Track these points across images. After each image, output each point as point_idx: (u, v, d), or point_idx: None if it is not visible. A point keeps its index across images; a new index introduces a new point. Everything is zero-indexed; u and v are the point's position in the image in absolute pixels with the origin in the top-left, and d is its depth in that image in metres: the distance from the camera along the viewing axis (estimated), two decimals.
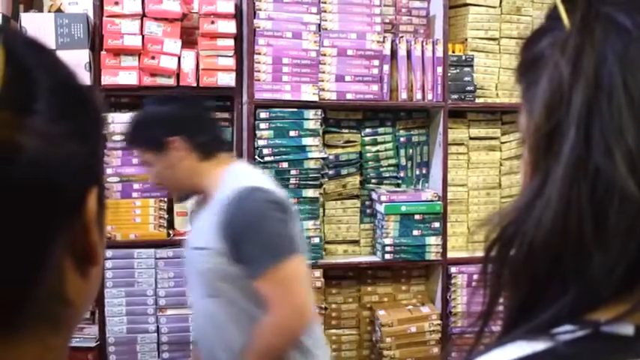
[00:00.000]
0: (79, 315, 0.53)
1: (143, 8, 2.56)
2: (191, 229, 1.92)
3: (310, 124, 2.64)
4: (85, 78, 2.51)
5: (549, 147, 0.54)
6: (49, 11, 2.59)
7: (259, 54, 2.61)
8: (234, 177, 1.72)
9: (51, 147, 0.46)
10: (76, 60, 2.50)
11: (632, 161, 0.50)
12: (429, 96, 2.73)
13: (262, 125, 2.61)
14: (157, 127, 1.78)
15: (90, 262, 0.51)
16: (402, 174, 2.89)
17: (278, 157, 2.61)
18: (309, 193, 2.65)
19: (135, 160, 2.60)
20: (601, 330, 0.53)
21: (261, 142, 2.60)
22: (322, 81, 2.65)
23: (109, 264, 2.60)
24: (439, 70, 2.72)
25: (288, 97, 2.63)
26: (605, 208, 0.51)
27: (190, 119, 1.82)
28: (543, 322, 0.54)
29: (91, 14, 2.57)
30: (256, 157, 2.60)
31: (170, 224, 2.69)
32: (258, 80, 2.60)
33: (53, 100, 0.48)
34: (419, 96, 2.73)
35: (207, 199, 1.76)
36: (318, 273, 2.66)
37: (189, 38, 2.67)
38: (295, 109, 2.63)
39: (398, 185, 2.88)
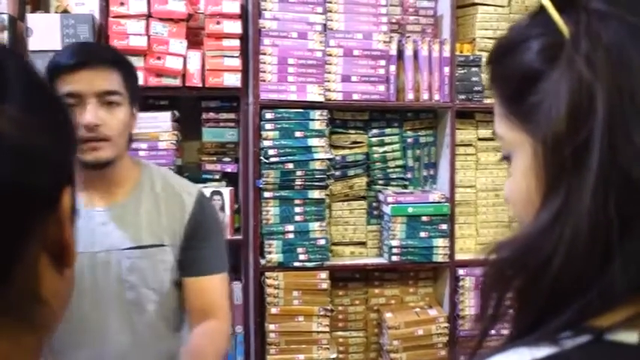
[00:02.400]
0: (55, 315, 0.52)
1: (149, 9, 2.56)
2: (117, 227, 1.58)
3: (316, 125, 2.62)
4: None
5: (574, 162, 0.51)
6: (56, 12, 2.60)
7: (265, 54, 2.59)
8: (160, 171, 1.68)
9: (27, 136, 0.46)
10: None
11: None
12: (437, 96, 2.71)
13: (268, 126, 2.59)
14: (128, 63, 1.61)
15: (65, 260, 0.51)
16: (409, 175, 2.86)
17: (284, 158, 2.60)
18: (315, 194, 2.63)
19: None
20: (604, 337, 0.51)
21: (266, 143, 2.59)
22: (328, 81, 2.64)
23: None
24: (446, 70, 2.69)
25: (293, 97, 2.61)
26: (634, 216, 0.49)
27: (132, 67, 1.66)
28: (549, 330, 0.52)
29: (97, 15, 2.57)
30: (262, 157, 2.58)
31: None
32: (264, 81, 2.59)
33: (26, 93, 0.48)
34: (426, 96, 2.71)
35: (118, 189, 1.58)
36: (324, 275, 2.64)
37: (195, 39, 2.66)
38: (301, 110, 2.61)
39: (405, 186, 2.86)
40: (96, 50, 1.60)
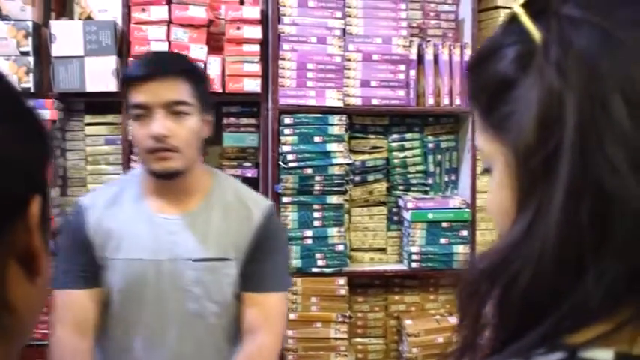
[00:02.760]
0: (24, 324, 0.53)
1: (170, 15, 2.58)
2: (183, 238, 1.57)
3: (335, 130, 2.61)
4: (113, 84, 2.55)
5: (544, 173, 0.50)
6: (80, 19, 2.64)
7: (284, 59, 2.60)
8: (230, 182, 1.68)
9: None
10: (104, 66, 2.54)
11: (639, 168, 0.47)
12: (457, 101, 2.68)
13: (286, 131, 2.59)
14: (198, 71, 1.65)
15: (34, 268, 0.51)
16: (430, 181, 2.84)
17: (302, 163, 2.60)
18: (334, 199, 2.62)
19: None
20: (578, 354, 0.49)
21: (285, 148, 2.59)
22: (347, 86, 2.63)
23: None
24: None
25: (312, 102, 2.61)
26: (607, 228, 0.47)
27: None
28: (522, 346, 0.51)
29: (119, 21, 2.61)
30: (280, 163, 2.59)
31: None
32: (283, 86, 2.60)
33: None
34: (446, 101, 2.68)
35: (189, 198, 1.58)
36: (342, 281, 2.63)
37: (215, 44, 2.68)
38: (320, 115, 2.61)
39: (426, 192, 2.83)
40: (164, 61, 1.60)
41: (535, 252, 0.50)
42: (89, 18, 2.64)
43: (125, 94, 1.54)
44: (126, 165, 2.62)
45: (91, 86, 2.55)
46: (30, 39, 2.51)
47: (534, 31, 0.52)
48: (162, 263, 1.54)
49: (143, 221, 1.56)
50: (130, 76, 1.53)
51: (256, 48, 2.62)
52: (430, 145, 2.82)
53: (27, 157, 0.50)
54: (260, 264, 1.58)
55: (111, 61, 2.55)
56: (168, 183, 1.54)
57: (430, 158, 2.83)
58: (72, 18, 2.69)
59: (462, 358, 0.58)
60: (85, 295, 1.55)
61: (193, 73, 1.56)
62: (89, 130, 2.70)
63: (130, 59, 2.56)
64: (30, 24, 2.51)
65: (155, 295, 1.54)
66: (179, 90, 1.50)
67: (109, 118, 2.70)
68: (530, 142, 0.51)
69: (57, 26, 2.55)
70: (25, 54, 2.52)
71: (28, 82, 2.51)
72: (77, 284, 1.55)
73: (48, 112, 2.50)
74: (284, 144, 2.59)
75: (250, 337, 1.57)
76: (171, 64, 1.56)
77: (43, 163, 0.54)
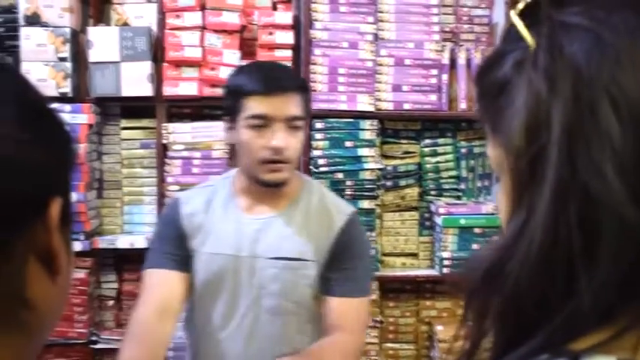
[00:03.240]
0: (44, 321, 0.55)
1: (203, 21, 2.62)
2: (264, 237, 1.65)
3: (366, 135, 2.61)
4: (148, 89, 2.59)
5: (533, 175, 0.50)
6: (116, 25, 2.69)
7: (315, 64, 2.61)
8: (318, 188, 1.75)
9: (17, 149, 0.49)
10: (139, 71, 2.59)
11: (625, 174, 0.47)
12: None
13: (318, 136, 2.60)
14: (305, 84, 1.77)
15: (54, 267, 0.53)
16: (462, 186, 2.81)
17: (333, 168, 2.60)
18: (365, 204, 2.62)
19: (195, 170, 2.66)
20: None
21: (316, 153, 2.60)
22: (379, 91, 2.63)
23: None
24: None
25: (344, 107, 2.61)
26: (595, 232, 0.47)
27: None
28: (523, 354, 0.51)
29: (154, 27, 2.66)
30: (311, 167, 2.60)
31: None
32: (315, 91, 2.61)
33: (20, 109, 0.51)
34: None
35: (279, 200, 1.65)
36: (373, 286, 2.63)
37: (248, 49, 2.70)
38: (351, 120, 2.61)
39: (459, 197, 2.81)
40: (283, 76, 1.65)
41: (523, 254, 0.50)
42: (125, 24, 2.69)
43: (236, 102, 1.58)
44: (160, 168, 2.66)
45: (127, 91, 2.60)
46: (68, 45, 2.57)
47: (528, 38, 0.53)
48: (241, 259, 1.62)
49: (231, 219, 1.65)
50: (255, 90, 1.56)
51: (288, 53, 2.64)
52: (463, 150, 2.80)
53: (46, 161, 0.52)
54: (341, 269, 1.63)
55: (146, 67, 2.59)
56: (268, 189, 1.62)
57: (463, 163, 2.80)
58: (109, 24, 2.74)
59: None
60: (174, 276, 1.62)
61: (305, 88, 1.67)
62: (125, 134, 2.75)
63: (165, 64, 2.61)
64: (68, 30, 2.57)
65: (232, 289, 1.62)
66: (297, 105, 1.58)
67: (144, 123, 2.75)
68: (518, 146, 0.51)
69: (94, 32, 2.60)
70: (63, 60, 2.58)
71: (66, 87, 2.57)
72: (168, 265, 1.63)
73: (85, 116, 2.56)
74: (315, 148, 2.60)
75: (331, 336, 1.61)
76: (291, 80, 1.64)
77: (65, 166, 0.56)
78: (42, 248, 0.52)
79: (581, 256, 0.48)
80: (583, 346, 0.49)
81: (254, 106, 1.55)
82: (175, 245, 1.65)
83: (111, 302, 2.81)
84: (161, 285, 1.62)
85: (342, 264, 1.62)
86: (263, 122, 1.55)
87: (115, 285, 2.81)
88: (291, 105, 1.56)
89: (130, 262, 2.81)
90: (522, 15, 0.56)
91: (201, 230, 1.65)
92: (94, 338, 2.68)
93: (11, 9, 2.62)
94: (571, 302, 0.49)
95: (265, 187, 1.60)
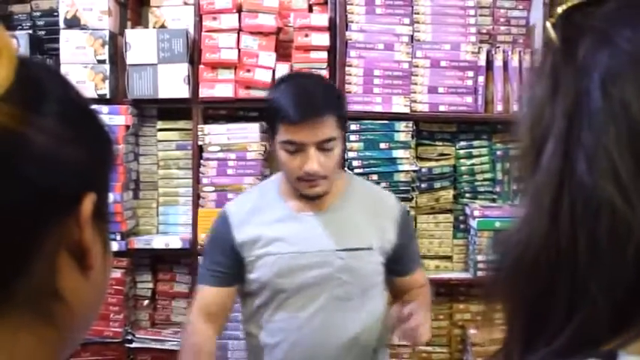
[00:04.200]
0: (76, 316, 0.55)
1: (240, 23, 2.64)
2: (325, 233, 1.75)
3: (401, 137, 2.61)
4: (184, 91, 2.62)
5: (535, 168, 0.52)
6: (154, 27, 2.72)
7: (351, 66, 2.61)
8: (359, 180, 1.97)
9: (55, 145, 0.51)
10: (176, 73, 2.61)
11: (617, 175, 0.47)
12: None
13: (353, 137, 2.60)
14: (340, 100, 1.78)
15: (86, 262, 0.54)
16: (498, 189, 2.79)
17: (368, 170, 2.60)
18: None
19: (230, 171, 2.68)
20: None
21: (351, 154, 2.60)
22: (414, 92, 2.62)
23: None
24: (530, 75, 2.61)
25: (379, 109, 2.61)
26: (593, 222, 0.48)
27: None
28: (548, 356, 0.51)
29: (191, 30, 2.68)
30: (346, 168, 2.60)
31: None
32: (350, 92, 2.61)
33: (61, 107, 0.53)
34: (516, 108, 2.64)
35: (327, 198, 1.75)
36: None
37: (284, 51, 2.71)
38: (386, 121, 2.61)
39: (494, 200, 2.78)
40: (318, 101, 1.67)
41: (523, 241, 0.52)
42: (162, 27, 2.72)
43: (274, 126, 1.68)
44: (196, 169, 2.68)
45: (164, 93, 2.62)
46: (106, 47, 2.61)
47: (554, 37, 0.55)
48: (308, 255, 1.72)
49: (285, 220, 1.75)
50: (287, 118, 1.63)
51: (324, 55, 2.64)
52: (498, 153, 2.78)
53: (84, 158, 0.53)
54: (408, 249, 1.85)
55: (183, 69, 2.62)
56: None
57: (498, 166, 2.78)
58: (146, 27, 2.78)
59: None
60: (221, 293, 1.77)
61: (340, 105, 1.73)
62: (161, 135, 2.78)
63: (201, 66, 2.63)
64: (106, 33, 2.61)
65: (301, 283, 1.72)
66: (330, 128, 1.65)
67: (180, 124, 2.77)
68: (524, 142, 0.54)
69: (132, 35, 2.64)
70: (101, 62, 2.61)
71: (104, 89, 2.61)
72: (216, 282, 1.77)
73: (122, 117, 2.59)
74: (350, 150, 2.60)
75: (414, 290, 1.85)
76: (324, 105, 1.66)
77: (103, 165, 0.58)
78: (73, 242, 0.53)
79: (585, 248, 0.48)
80: (617, 345, 0.48)
81: (287, 132, 1.64)
82: (227, 257, 1.76)
83: (146, 302, 2.84)
84: (207, 299, 1.78)
85: (407, 245, 1.83)
86: (296, 147, 1.64)
87: (150, 285, 2.83)
88: (324, 129, 1.64)
89: (164, 262, 2.84)
90: (558, 19, 0.58)
91: (259, 236, 1.74)
92: (129, 337, 2.71)
93: (52, 12, 2.67)
94: (585, 300, 0.49)
95: (307, 199, 1.73)
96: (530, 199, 0.53)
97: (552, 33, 0.55)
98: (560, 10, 0.57)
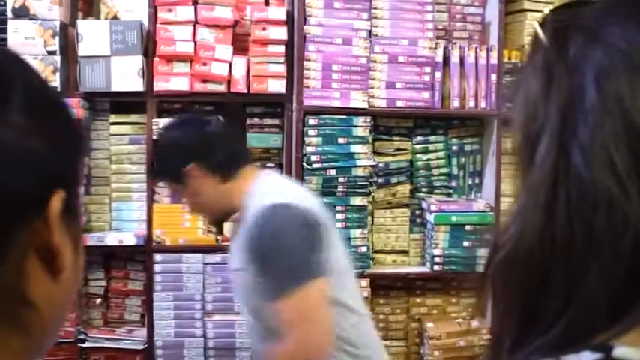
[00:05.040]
0: (46, 321, 0.52)
1: (196, 15, 2.59)
2: (230, 251, 1.84)
3: (359, 132, 2.61)
4: (138, 84, 2.56)
5: (530, 163, 0.53)
6: (106, 18, 2.65)
7: (309, 60, 2.60)
8: (261, 194, 1.65)
9: (19, 140, 0.47)
10: (130, 66, 2.55)
11: (614, 167, 0.48)
12: (483, 104, 2.67)
13: (311, 132, 2.59)
14: (172, 158, 1.76)
15: (56, 265, 0.51)
16: (453, 183, 2.82)
17: (326, 165, 2.60)
18: (357, 201, 2.62)
19: None
20: (612, 354, 0.49)
21: (309, 149, 2.59)
22: (372, 88, 2.62)
23: (158, 268, 2.63)
24: (493, 77, 2.65)
25: (337, 103, 2.61)
26: (590, 214, 0.49)
27: (199, 143, 1.73)
28: (543, 345, 0.51)
29: (146, 22, 2.62)
30: (304, 164, 2.59)
31: (219, 230, 2.70)
32: (308, 87, 2.59)
33: (28, 99, 0.49)
34: (472, 104, 2.67)
35: (241, 218, 1.70)
36: (365, 282, 2.63)
37: (241, 45, 2.68)
38: (344, 116, 2.61)
39: (449, 195, 2.82)
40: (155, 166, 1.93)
41: (518, 234, 0.53)
42: (115, 18, 2.65)
43: None
44: (149, 164, 2.63)
45: (117, 86, 2.56)
46: (57, 38, 2.53)
47: (542, 37, 0.56)
48: None
49: None
50: None
51: (281, 49, 2.62)
52: (454, 148, 2.81)
53: (48, 153, 0.49)
54: (262, 273, 1.60)
55: (137, 61, 2.56)
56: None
57: (454, 161, 2.81)
58: (98, 18, 2.70)
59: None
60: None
61: (165, 173, 1.85)
62: (114, 129, 2.71)
63: (156, 59, 2.57)
64: (57, 24, 2.53)
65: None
66: (168, 184, 1.91)
67: (134, 118, 2.71)
68: (519, 136, 0.55)
69: (84, 26, 2.56)
70: (52, 53, 2.53)
71: (55, 82, 2.52)
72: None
73: (74, 111, 2.51)
74: (308, 145, 2.59)
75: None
76: (156, 173, 1.97)
77: (69, 157, 0.54)
78: (42, 244, 0.49)
79: (582, 240, 0.49)
80: (613, 338, 0.49)
81: None
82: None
83: (98, 300, 2.77)
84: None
85: (264, 266, 1.58)
86: None
87: (103, 283, 2.77)
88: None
89: (118, 259, 2.78)
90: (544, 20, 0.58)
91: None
92: (81, 337, 2.64)
93: None
94: (581, 291, 0.49)
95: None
96: (525, 193, 0.53)
97: (540, 32, 0.55)
98: (546, 10, 0.57)
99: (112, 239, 2.62)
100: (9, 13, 2.51)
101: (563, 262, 0.50)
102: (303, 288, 1.54)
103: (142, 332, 2.69)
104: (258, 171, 1.82)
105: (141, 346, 2.66)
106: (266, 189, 1.68)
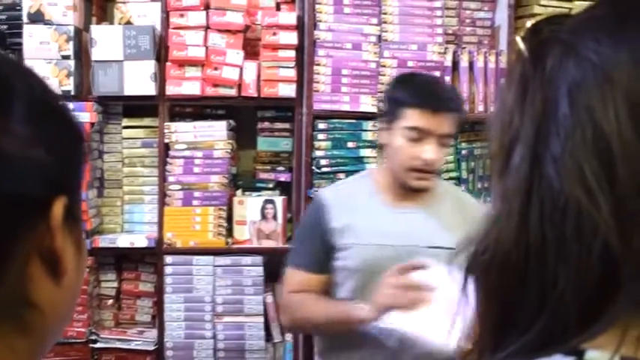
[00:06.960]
0: (49, 323, 0.54)
1: (207, 20, 2.62)
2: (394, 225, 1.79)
3: (368, 136, 2.62)
4: (151, 88, 2.59)
5: (504, 170, 0.54)
6: (119, 23, 2.69)
7: (319, 65, 2.62)
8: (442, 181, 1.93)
9: (21, 148, 0.48)
10: (142, 70, 2.59)
11: (583, 177, 0.49)
12: (492, 108, 2.67)
13: (320, 136, 2.61)
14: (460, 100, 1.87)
15: (58, 269, 0.52)
16: (463, 188, 2.82)
17: (335, 168, 2.61)
18: None
19: (196, 169, 2.66)
20: (584, 358, 0.50)
21: (319, 153, 2.61)
22: (382, 92, 2.63)
23: (169, 270, 2.66)
24: (503, 81, 2.65)
25: (346, 108, 2.62)
26: (561, 222, 0.49)
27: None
28: (518, 349, 0.52)
29: (158, 26, 2.65)
30: (314, 167, 2.60)
31: (229, 233, 2.72)
32: (317, 91, 2.61)
33: (30, 108, 0.50)
34: (481, 108, 2.68)
35: (423, 196, 1.79)
36: None
37: (252, 49, 2.71)
38: (354, 121, 2.62)
39: None
40: (450, 96, 1.79)
41: (494, 241, 0.53)
42: (129, 23, 2.69)
43: (396, 110, 1.73)
44: (161, 168, 2.66)
45: (130, 90, 2.59)
46: (71, 43, 2.57)
47: (523, 49, 0.56)
48: (401, 248, 1.72)
49: (380, 213, 1.79)
50: (421, 104, 1.69)
51: (292, 53, 2.64)
52: (463, 152, 2.81)
53: (50, 159, 0.51)
54: None
55: (149, 66, 2.59)
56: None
57: (463, 165, 2.82)
58: (112, 23, 2.74)
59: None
60: (313, 280, 1.80)
61: (461, 108, 1.83)
62: (126, 132, 2.75)
63: (168, 63, 2.61)
64: (71, 28, 2.57)
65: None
66: (452, 125, 1.73)
67: (146, 122, 2.74)
68: (495, 146, 0.56)
69: (97, 31, 2.60)
70: (65, 58, 2.57)
71: (69, 86, 2.57)
72: (310, 268, 1.80)
73: (87, 114, 2.55)
74: (317, 149, 2.61)
75: None
76: (453, 101, 1.78)
77: (71, 163, 0.55)
78: (45, 249, 0.51)
79: (553, 250, 0.50)
80: (584, 342, 0.50)
81: (414, 118, 1.69)
82: (320, 242, 1.78)
83: (110, 301, 2.80)
84: (302, 286, 1.80)
85: None
86: (418, 135, 1.69)
87: (115, 284, 2.80)
88: (448, 124, 1.71)
89: (129, 261, 2.81)
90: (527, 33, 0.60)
91: (351, 226, 1.77)
92: (93, 337, 2.67)
93: (15, 6, 2.62)
94: (554, 296, 0.50)
95: (410, 192, 1.77)
96: (500, 201, 0.54)
97: (522, 45, 0.56)
98: (529, 24, 0.59)
99: (123, 241, 2.65)
100: (24, 18, 2.56)
101: (537, 267, 0.51)
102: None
103: (153, 333, 2.72)
104: None
105: (151, 348, 2.69)
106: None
